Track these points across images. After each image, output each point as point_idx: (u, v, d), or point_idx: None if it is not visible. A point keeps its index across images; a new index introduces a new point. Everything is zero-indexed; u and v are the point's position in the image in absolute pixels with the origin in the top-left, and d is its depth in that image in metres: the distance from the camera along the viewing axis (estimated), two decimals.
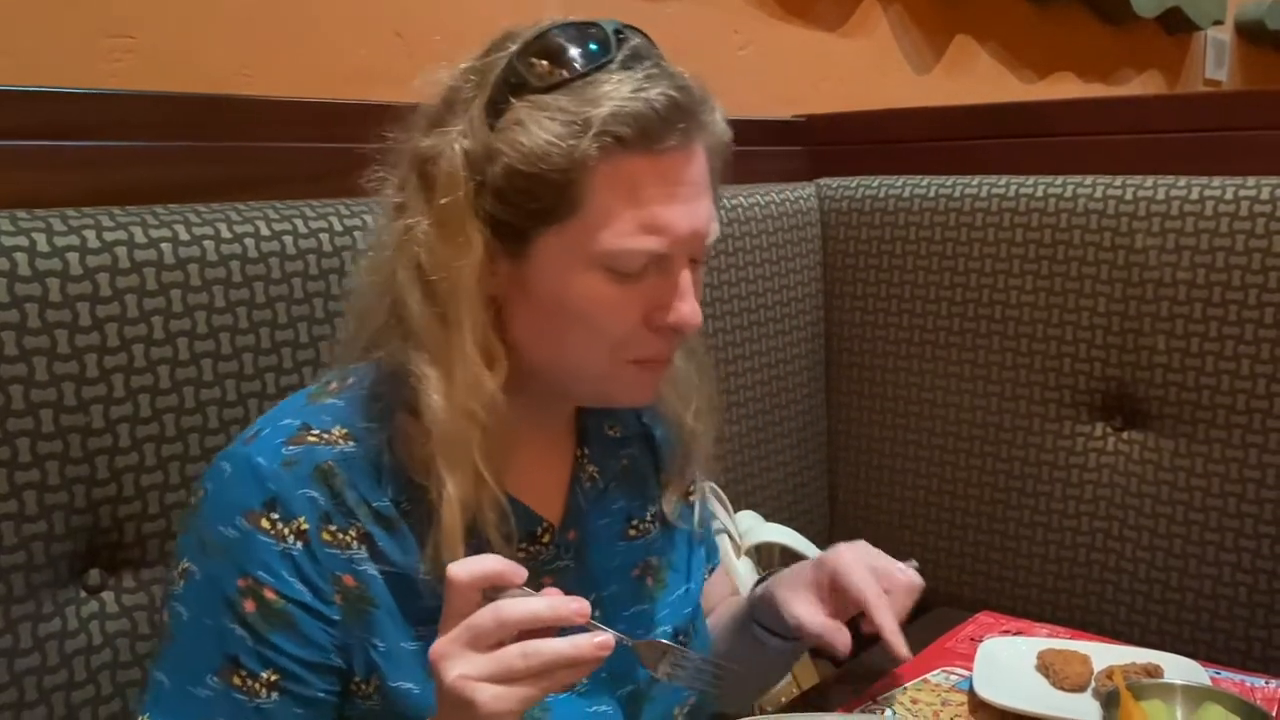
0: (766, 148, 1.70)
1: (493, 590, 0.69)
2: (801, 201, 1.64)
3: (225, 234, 0.98)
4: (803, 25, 1.91)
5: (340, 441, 0.80)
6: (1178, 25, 2.82)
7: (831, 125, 1.76)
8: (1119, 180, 1.42)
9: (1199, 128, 1.45)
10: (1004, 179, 1.51)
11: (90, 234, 0.91)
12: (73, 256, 0.89)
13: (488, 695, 0.66)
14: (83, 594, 0.93)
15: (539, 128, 0.75)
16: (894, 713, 1.00)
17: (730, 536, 1.33)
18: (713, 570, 1.10)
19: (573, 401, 0.91)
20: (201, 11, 1.16)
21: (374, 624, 0.79)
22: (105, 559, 0.94)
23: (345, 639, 0.78)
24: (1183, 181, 1.38)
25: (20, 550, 0.87)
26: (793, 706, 1.12)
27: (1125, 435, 1.44)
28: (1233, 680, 1.03)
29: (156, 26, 1.12)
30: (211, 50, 1.17)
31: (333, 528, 0.78)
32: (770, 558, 1.45)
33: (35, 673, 0.88)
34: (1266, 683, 1.03)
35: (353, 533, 0.79)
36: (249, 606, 0.76)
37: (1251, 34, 3.20)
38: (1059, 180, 1.47)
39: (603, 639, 0.68)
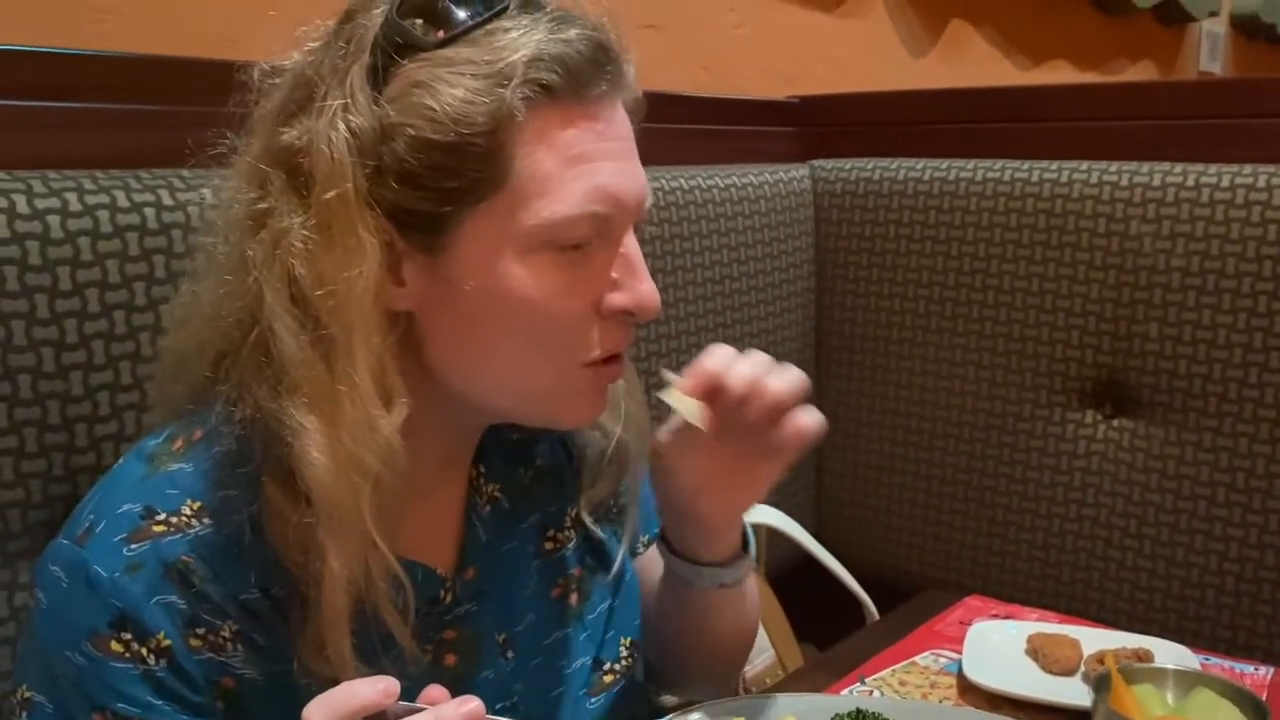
0: (760, 128, 1.69)
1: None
2: (795, 183, 1.63)
3: (211, 200, 0.95)
4: (799, 5, 1.89)
5: (193, 523, 0.67)
6: (1173, 16, 2.80)
7: (826, 106, 1.74)
8: (1114, 166, 1.42)
9: (1195, 115, 1.45)
10: (999, 163, 1.51)
11: (72, 196, 0.88)
12: (53, 219, 0.87)
13: None
14: None
15: (449, 86, 0.63)
16: (881, 694, 0.99)
17: None
18: (650, 541, 0.97)
19: (499, 424, 0.76)
20: None
21: None
22: None
23: None
24: (1179, 168, 1.37)
25: None
26: (778, 689, 1.11)
27: (1115, 423, 1.43)
28: (1222, 666, 1.03)
29: None
30: (196, 14, 1.15)
31: (200, 630, 0.67)
32: (757, 539, 1.44)
33: (10, 644, 0.86)
34: (1256, 669, 1.03)
35: (225, 632, 0.67)
36: None
37: (1246, 27, 3.19)
38: (1054, 165, 1.46)
39: None
